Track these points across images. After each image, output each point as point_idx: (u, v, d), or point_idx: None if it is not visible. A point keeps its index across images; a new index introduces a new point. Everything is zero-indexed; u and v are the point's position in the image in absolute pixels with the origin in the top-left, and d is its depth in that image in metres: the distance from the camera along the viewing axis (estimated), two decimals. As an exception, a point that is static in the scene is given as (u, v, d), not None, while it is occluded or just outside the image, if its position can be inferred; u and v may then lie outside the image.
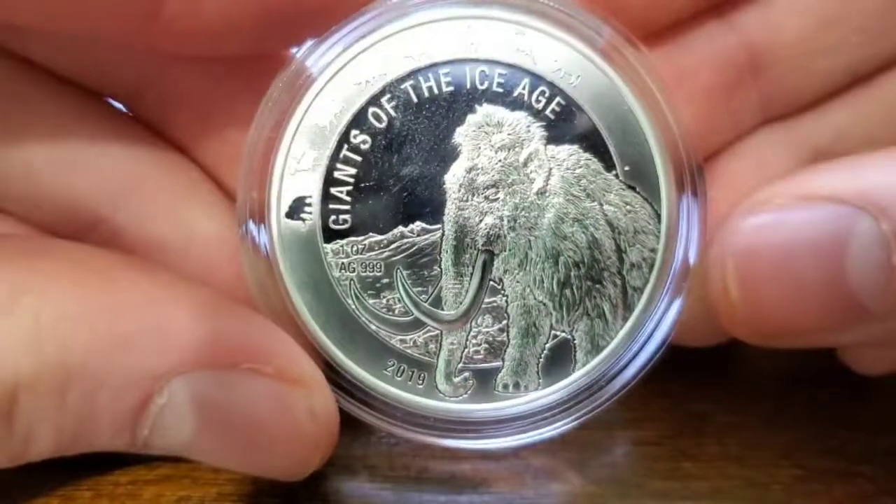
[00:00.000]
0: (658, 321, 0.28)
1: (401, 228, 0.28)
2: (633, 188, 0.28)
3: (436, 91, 0.28)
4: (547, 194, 0.28)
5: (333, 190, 0.27)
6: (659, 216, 0.28)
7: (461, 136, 0.28)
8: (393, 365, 0.28)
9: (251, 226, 0.28)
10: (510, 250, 0.28)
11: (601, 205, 0.28)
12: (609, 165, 0.28)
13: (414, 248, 0.28)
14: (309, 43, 0.27)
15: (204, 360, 0.26)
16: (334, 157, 0.27)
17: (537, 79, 0.28)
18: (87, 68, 0.29)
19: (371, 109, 0.27)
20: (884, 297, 0.25)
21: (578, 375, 0.28)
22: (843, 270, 0.25)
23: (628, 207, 0.28)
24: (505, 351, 0.28)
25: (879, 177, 0.26)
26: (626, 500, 0.30)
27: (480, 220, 0.28)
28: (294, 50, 0.28)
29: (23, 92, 0.28)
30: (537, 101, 0.28)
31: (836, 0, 0.30)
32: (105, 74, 0.29)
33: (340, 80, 0.27)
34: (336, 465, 0.29)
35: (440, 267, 0.28)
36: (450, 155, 0.28)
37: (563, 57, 0.28)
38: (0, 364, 0.24)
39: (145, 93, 0.30)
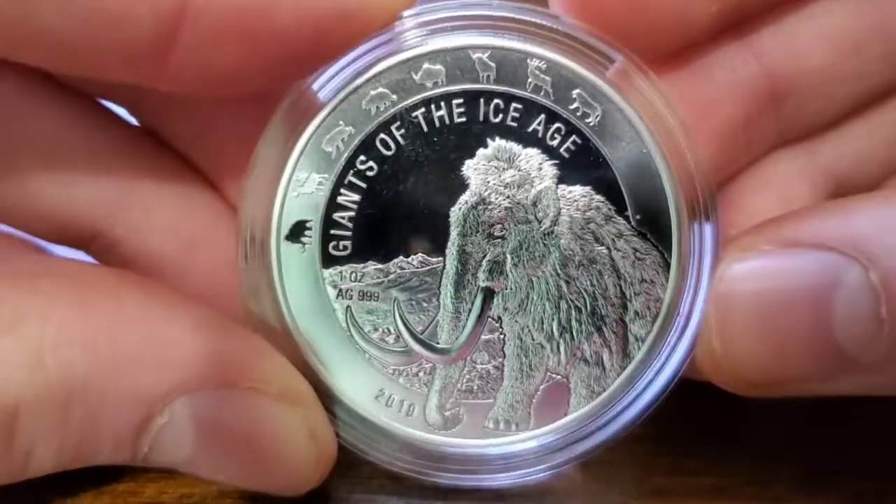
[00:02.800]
0: (658, 371, 0.28)
1: (401, 258, 0.27)
2: (643, 235, 0.27)
3: (447, 121, 0.27)
4: (554, 235, 0.27)
5: (336, 215, 0.27)
6: (668, 266, 0.27)
7: (470, 169, 0.27)
8: (384, 394, 0.28)
9: (251, 247, 0.27)
10: (511, 289, 0.28)
11: (609, 250, 0.27)
12: (621, 209, 0.27)
13: (413, 280, 0.27)
14: (323, 67, 0.27)
15: (206, 379, 0.26)
16: (339, 183, 0.27)
17: (554, 115, 0.27)
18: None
19: (380, 136, 0.27)
20: (872, 349, 0.24)
21: (571, 420, 0.28)
22: (830, 321, 0.24)
23: (637, 254, 0.27)
24: (498, 389, 0.28)
25: (869, 223, 0.24)
26: (628, 497, 0.30)
27: (483, 256, 0.27)
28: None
29: (19, 105, 0.27)
30: (552, 138, 0.27)
31: (859, 26, 0.29)
32: (104, 79, 0.28)
33: (350, 104, 0.27)
34: (338, 463, 0.29)
35: (439, 300, 0.27)
36: (457, 187, 0.27)
37: (581, 93, 0.27)
38: (1, 384, 0.24)
39: (146, 100, 0.29)
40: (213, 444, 0.26)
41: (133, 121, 0.30)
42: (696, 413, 0.32)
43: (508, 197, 0.27)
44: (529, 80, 0.27)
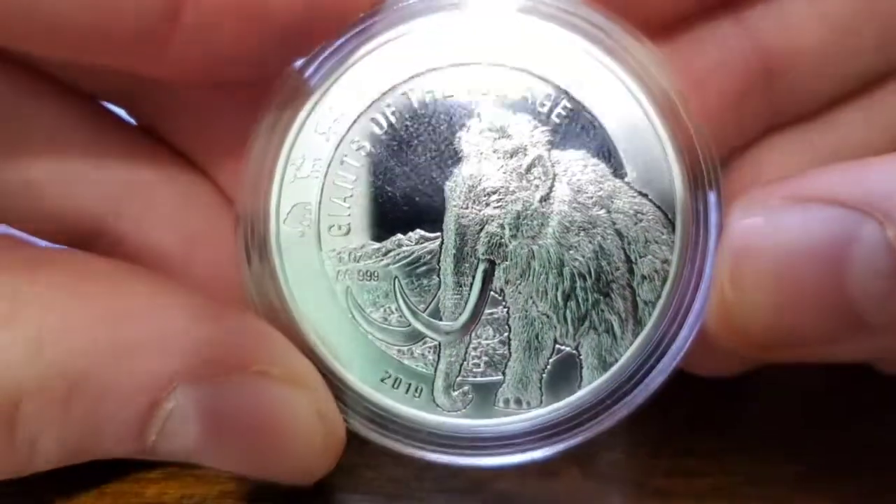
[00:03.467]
0: (672, 337, 0.27)
1: (399, 236, 0.27)
2: (644, 195, 0.26)
3: (437, 96, 0.27)
4: (551, 202, 0.27)
5: (332, 197, 0.27)
6: (673, 225, 0.26)
7: (463, 142, 0.27)
8: (390, 376, 0.27)
9: (251, 235, 0.27)
10: (512, 260, 0.27)
11: (609, 213, 0.27)
12: (618, 171, 0.27)
13: (412, 257, 0.27)
14: (312, 53, 0.27)
15: (209, 364, 0.26)
16: (334, 165, 0.27)
17: (542, 82, 0.27)
18: (84, 71, 0.29)
19: (371, 116, 0.27)
20: (886, 308, 0.23)
21: (584, 393, 0.27)
22: (843, 278, 0.23)
23: (639, 216, 0.27)
24: (506, 365, 0.27)
25: (886, 181, 0.23)
26: (628, 497, 0.29)
27: (481, 229, 0.27)
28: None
29: (21, 105, 0.28)
30: (542, 105, 0.27)
31: (852, 5, 0.28)
32: (101, 77, 0.29)
33: (340, 86, 0.27)
34: (337, 464, 0.29)
35: (439, 276, 0.27)
36: (451, 161, 0.27)
37: (568, 59, 0.27)
38: (1, 375, 0.24)
39: (142, 96, 0.30)
40: (219, 430, 0.26)
41: (132, 121, 0.31)
42: (697, 413, 0.32)
43: (502, 167, 0.27)
44: (515, 50, 0.27)
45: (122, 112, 0.31)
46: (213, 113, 0.29)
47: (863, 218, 0.23)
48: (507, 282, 0.27)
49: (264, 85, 0.28)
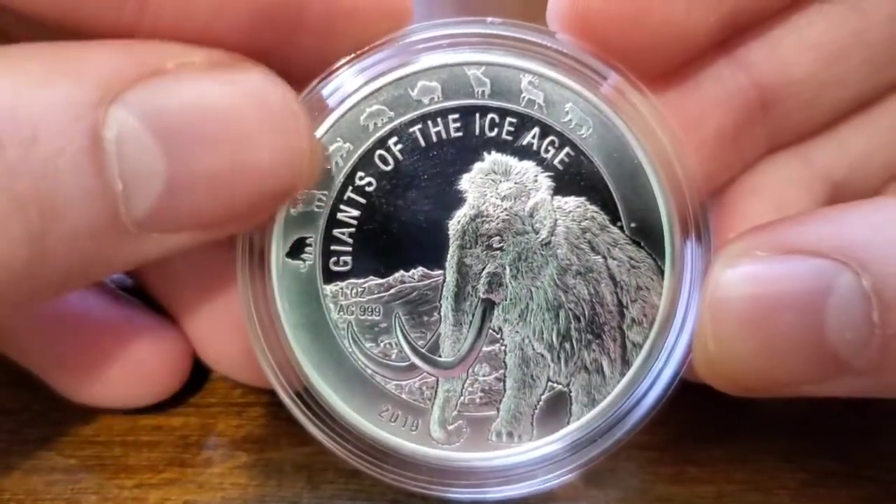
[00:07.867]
0: (657, 376, 0.28)
1: (402, 273, 0.27)
2: (637, 243, 0.28)
3: (444, 136, 0.27)
4: (551, 245, 0.28)
5: (336, 231, 0.27)
6: (662, 272, 0.28)
7: (468, 182, 0.27)
8: (387, 410, 0.28)
9: (251, 265, 0.27)
10: (511, 300, 0.28)
11: (605, 258, 0.28)
12: (615, 219, 0.28)
13: (414, 294, 0.28)
14: (317, 81, 0.27)
15: (130, 73, 0.23)
16: (338, 199, 0.27)
17: (547, 128, 0.27)
18: None
19: (378, 152, 0.27)
20: (864, 353, 0.24)
21: (573, 428, 0.28)
22: (822, 326, 0.24)
23: (632, 262, 0.28)
24: (500, 400, 0.28)
25: (861, 230, 0.25)
26: None
27: (483, 268, 0.28)
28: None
29: None
30: (546, 150, 0.27)
31: (842, 34, 0.30)
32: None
33: (347, 120, 0.27)
34: (339, 471, 0.29)
35: (440, 313, 0.28)
36: (455, 201, 0.27)
37: (574, 107, 0.27)
38: None
39: None
40: (176, 137, 0.23)
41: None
42: (699, 421, 0.33)
43: (505, 209, 0.28)
44: (523, 94, 0.27)
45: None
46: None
47: (839, 268, 0.24)
48: (505, 321, 0.28)
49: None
